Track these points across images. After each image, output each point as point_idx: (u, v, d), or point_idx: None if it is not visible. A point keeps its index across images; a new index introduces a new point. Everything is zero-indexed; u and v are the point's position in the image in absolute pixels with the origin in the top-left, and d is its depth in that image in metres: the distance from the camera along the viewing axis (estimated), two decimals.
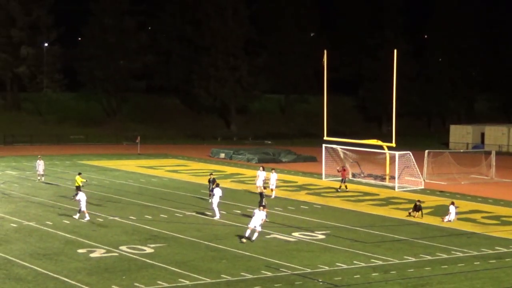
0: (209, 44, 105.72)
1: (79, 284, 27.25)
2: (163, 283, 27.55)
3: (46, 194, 48.55)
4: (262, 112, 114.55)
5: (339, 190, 52.39)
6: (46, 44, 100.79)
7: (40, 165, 54.28)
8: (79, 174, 47.27)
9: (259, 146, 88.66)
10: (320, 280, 28.50)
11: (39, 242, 33.96)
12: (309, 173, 63.19)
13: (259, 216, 34.81)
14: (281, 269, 30.00)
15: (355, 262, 31.48)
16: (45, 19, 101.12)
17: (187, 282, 27.84)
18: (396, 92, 56.72)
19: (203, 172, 58.93)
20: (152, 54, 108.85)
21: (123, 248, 33.05)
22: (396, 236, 37.23)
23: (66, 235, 35.63)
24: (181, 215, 41.81)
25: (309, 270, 29.99)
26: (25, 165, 64.88)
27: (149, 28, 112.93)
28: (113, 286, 27.08)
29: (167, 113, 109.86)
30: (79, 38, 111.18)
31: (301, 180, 59.14)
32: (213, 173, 48.67)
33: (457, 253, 33.72)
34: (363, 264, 31.16)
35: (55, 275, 28.40)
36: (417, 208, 42.59)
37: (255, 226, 34.83)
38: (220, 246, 33.87)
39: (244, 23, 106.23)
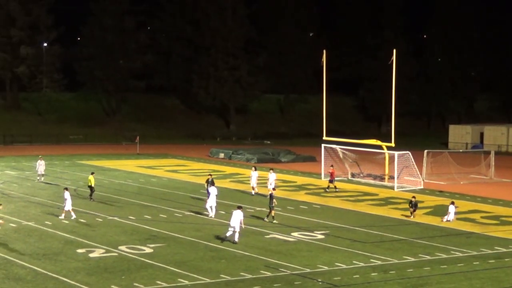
0: (209, 44, 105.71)
1: (78, 284, 27.27)
2: (163, 283, 27.57)
3: (45, 194, 48.57)
4: (262, 112, 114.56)
5: (327, 190, 52.23)
6: (45, 44, 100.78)
7: (41, 165, 54.24)
8: (92, 173, 47.35)
9: (258, 146, 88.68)
10: (320, 280, 28.52)
11: (39, 242, 33.99)
12: (308, 173, 63.20)
13: (237, 216, 34.58)
14: (280, 269, 30.02)
15: (354, 262, 31.51)
16: (45, 19, 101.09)
17: (187, 282, 27.86)
18: (396, 92, 56.73)
19: (203, 172, 58.93)
20: (152, 54, 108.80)
21: (123, 248, 33.08)
22: (395, 236, 37.25)
23: (65, 235, 35.65)
24: (180, 215, 41.84)
25: (308, 270, 30.01)
26: (25, 165, 64.89)
27: (149, 28, 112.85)
28: (112, 286, 27.10)
29: (166, 113, 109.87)
30: (79, 38, 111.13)
31: (300, 180, 59.16)
32: (212, 174, 48.24)
33: (456, 253, 33.75)
34: (362, 264, 31.18)
35: (54, 275, 28.42)
36: (413, 204, 42.34)
37: (234, 227, 34.55)
38: (220, 246, 33.89)
39: (243, 23, 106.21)
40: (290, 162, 72.49)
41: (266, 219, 40.21)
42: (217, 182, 53.65)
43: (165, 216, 41.55)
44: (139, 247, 33.40)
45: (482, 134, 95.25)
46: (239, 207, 35.36)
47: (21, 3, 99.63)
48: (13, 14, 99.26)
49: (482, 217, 43.49)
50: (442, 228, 39.69)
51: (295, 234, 37.09)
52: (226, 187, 53.29)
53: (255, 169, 50.30)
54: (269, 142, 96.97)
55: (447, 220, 41.18)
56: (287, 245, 34.73)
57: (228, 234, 34.77)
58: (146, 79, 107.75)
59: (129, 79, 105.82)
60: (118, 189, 51.39)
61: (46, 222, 38.60)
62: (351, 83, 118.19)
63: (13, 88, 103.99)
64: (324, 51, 61.40)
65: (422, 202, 47.68)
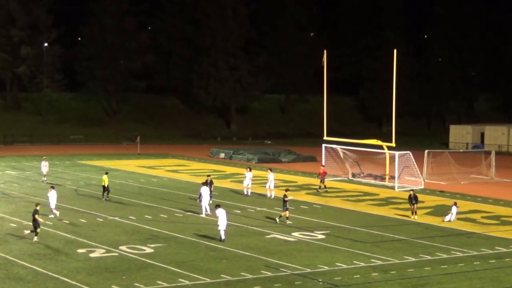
0: (209, 44, 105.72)
1: (79, 284, 27.26)
2: (163, 283, 27.56)
3: (46, 194, 48.44)
4: (262, 112, 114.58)
5: (319, 190, 52.05)
6: (46, 44, 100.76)
7: (45, 166, 54.14)
8: (106, 173, 47.42)
9: (259, 146, 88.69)
10: (320, 280, 28.51)
11: (39, 242, 33.95)
12: (309, 173, 63.15)
13: (223, 215, 34.93)
14: (281, 269, 30.01)
15: (355, 262, 31.49)
16: (45, 19, 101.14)
17: (187, 282, 27.85)
18: (396, 92, 56.72)
19: (203, 172, 58.90)
20: (152, 54, 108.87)
21: (123, 248, 33.06)
22: (396, 236, 37.24)
23: (66, 235, 35.63)
24: (181, 215, 41.82)
25: (309, 270, 30.00)
26: (25, 165, 64.89)
27: (149, 28, 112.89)
28: (113, 286, 27.08)
29: (167, 113, 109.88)
30: (79, 38, 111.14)
31: (301, 180, 59.14)
32: (210, 175, 47.99)
33: (457, 253, 33.73)
34: (363, 264, 31.17)
35: (55, 275, 28.40)
36: (412, 197, 41.98)
37: (222, 226, 34.99)
38: (220, 246, 33.88)
39: (244, 23, 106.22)
40: (290, 162, 72.49)
41: (285, 220, 39.93)
42: (218, 182, 53.85)
43: (165, 216, 41.54)
44: (139, 247, 33.39)
45: (482, 134, 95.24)
46: (218, 206, 35.80)
47: (21, 3, 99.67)
48: (14, 14, 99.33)
49: (482, 217, 43.47)
50: (442, 228, 39.67)
51: (296, 234, 37.07)
52: (226, 187, 53.28)
53: (250, 170, 50.20)
54: (269, 142, 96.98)
55: (448, 220, 41.16)
56: (288, 245, 34.72)
57: (223, 236, 34.94)
58: (147, 79, 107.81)
59: (129, 79, 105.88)
60: (118, 189, 51.34)
61: (47, 222, 38.53)
62: (351, 83, 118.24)
63: (13, 88, 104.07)
64: (325, 51, 61.39)
65: (423, 202, 47.65)
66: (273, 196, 48.52)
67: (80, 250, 32.45)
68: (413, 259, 32.28)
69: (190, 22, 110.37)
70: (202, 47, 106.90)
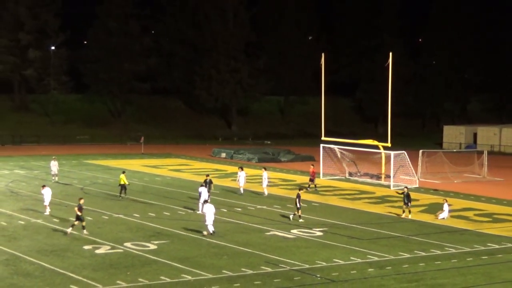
0: (211, 47, 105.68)
1: (85, 280, 27.32)
2: (166, 279, 27.62)
3: (53, 192, 48.33)
4: (262, 113, 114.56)
5: (308, 189, 51.85)
6: (53, 47, 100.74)
7: (54, 165, 54.13)
8: (123, 172, 47.43)
9: (259, 146, 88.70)
10: (318, 276, 28.57)
11: (46, 239, 34.04)
12: (308, 172, 62.99)
13: (210, 210, 35.36)
14: (280, 265, 30.07)
15: (351, 258, 31.55)
16: (52, 23, 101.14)
17: (190, 278, 27.90)
18: (392, 93, 56.70)
19: (205, 171, 58.89)
20: (156, 56, 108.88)
21: (128, 244, 33.12)
22: (391, 233, 37.29)
23: (73, 232, 35.66)
24: (183, 213, 41.87)
25: (307, 266, 30.05)
26: (33, 165, 64.93)
27: (153, 31, 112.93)
28: (118, 282, 27.14)
29: (170, 114, 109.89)
30: (85, 42, 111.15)
31: (299, 179, 59.15)
32: (209, 174, 47.88)
33: (450, 249, 33.79)
34: (359, 260, 31.22)
35: (61, 271, 28.47)
36: (405, 196, 41.55)
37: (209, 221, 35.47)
38: (221, 243, 33.93)
39: (244, 26, 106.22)
40: (289, 161, 72.51)
41: (292, 218, 39.92)
42: (219, 181, 53.96)
43: (168, 213, 41.59)
44: (143, 243, 33.44)
45: (475, 135, 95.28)
46: (206, 201, 36.40)
47: (29, 7, 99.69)
48: (22, 18, 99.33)
49: (475, 215, 43.51)
50: (436, 226, 39.73)
51: (295, 231, 37.13)
52: (227, 186, 53.31)
53: (242, 169, 50.16)
54: (269, 142, 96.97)
55: (442, 218, 41.20)
56: (287, 241, 34.77)
57: (211, 230, 35.28)
58: (150, 81, 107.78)
59: (133, 81, 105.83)
60: None
61: (54, 220, 38.65)
62: (348, 85, 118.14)
63: (21, 90, 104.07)
64: (323, 54, 61.39)
65: (417, 200, 47.76)
66: (266, 194, 48.54)
67: (86, 247, 32.50)
68: (408, 255, 32.34)
69: (192, 25, 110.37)
70: (204, 49, 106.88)
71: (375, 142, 60.19)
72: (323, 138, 60.82)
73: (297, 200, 39.75)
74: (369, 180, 58.31)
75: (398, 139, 66.92)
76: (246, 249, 32.76)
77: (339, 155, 61.05)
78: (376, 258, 31.65)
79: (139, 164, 67.64)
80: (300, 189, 41.18)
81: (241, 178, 49.24)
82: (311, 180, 52.22)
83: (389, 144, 56.63)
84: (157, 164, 68.00)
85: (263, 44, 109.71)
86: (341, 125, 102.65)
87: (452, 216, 41.93)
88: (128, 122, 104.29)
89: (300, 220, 39.55)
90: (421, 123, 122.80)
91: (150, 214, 41.28)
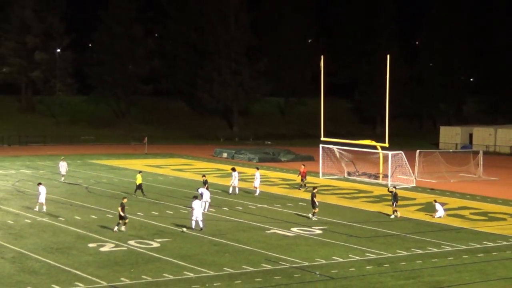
0: (213, 50, 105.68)
1: (89, 277, 27.30)
2: (169, 276, 27.59)
3: (58, 191, 48.58)
4: (263, 114, 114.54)
5: (300, 189, 51.76)
6: (58, 50, 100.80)
7: (63, 166, 54.09)
8: (140, 172, 47.46)
9: (259, 146, 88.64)
10: (318, 273, 28.54)
11: (52, 237, 34.02)
12: (307, 172, 63.04)
13: (198, 207, 35.54)
14: (280, 262, 30.03)
15: (350, 255, 31.52)
16: (58, 26, 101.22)
17: (192, 275, 27.88)
18: (389, 95, 56.65)
19: (207, 171, 58.91)
20: (159, 59, 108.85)
21: (131, 242, 33.09)
22: (389, 231, 37.25)
23: (78, 230, 35.68)
24: (186, 212, 41.81)
25: (307, 263, 30.02)
26: (39, 164, 64.92)
27: (156, 34, 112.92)
28: (121, 279, 27.12)
29: (173, 115, 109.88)
30: (90, 44, 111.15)
31: (299, 178, 58.96)
32: (205, 175, 47.66)
33: (447, 247, 33.74)
34: (358, 258, 31.19)
35: (67, 268, 28.45)
36: (393, 196, 41.36)
37: (197, 217, 35.53)
38: (223, 241, 33.90)
39: (245, 30, 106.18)
40: (289, 161, 72.44)
41: (313, 217, 39.88)
42: (220, 181, 53.95)
43: (171, 212, 41.56)
44: (147, 241, 33.42)
45: (471, 135, 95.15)
46: (195, 197, 36.49)
47: (35, 11, 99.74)
48: (28, 22, 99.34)
49: (471, 214, 43.46)
50: (433, 224, 39.68)
51: (294, 229, 37.09)
52: (227, 185, 53.23)
53: (234, 170, 50.01)
54: (269, 142, 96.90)
55: (439, 217, 41.16)
56: (287, 239, 34.74)
57: (193, 226, 35.55)
58: (153, 83, 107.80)
59: (137, 83, 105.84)
60: (127, 186, 51.31)
61: (60, 218, 38.63)
62: (347, 87, 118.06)
63: (28, 91, 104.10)
64: (322, 56, 61.36)
65: (414, 199, 47.75)
66: (257, 193, 48.43)
67: (91, 245, 32.49)
68: (405, 253, 32.30)
69: (195, 29, 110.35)
70: (206, 52, 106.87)
71: (373, 143, 60.15)
72: (322, 138, 60.75)
73: (313, 199, 39.71)
74: (367, 180, 58.25)
75: (395, 140, 66.81)
76: (247, 247, 32.73)
77: (338, 155, 61.01)
78: (374, 256, 31.61)
79: (142, 164, 67.58)
80: (314, 189, 41.04)
81: (234, 179, 49.07)
82: (302, 179, 52.09)
83: (386, 145, 56.59)
84: (160, 164, 67.96)
85: (263, 47, 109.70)
86: (340, 126, 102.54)
87: (448, 215, 41.87)
88: (132, 123, 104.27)
89: (314, 219, 39.50)
90: (418, 124, 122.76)
91: (153, 212, 41.25)
